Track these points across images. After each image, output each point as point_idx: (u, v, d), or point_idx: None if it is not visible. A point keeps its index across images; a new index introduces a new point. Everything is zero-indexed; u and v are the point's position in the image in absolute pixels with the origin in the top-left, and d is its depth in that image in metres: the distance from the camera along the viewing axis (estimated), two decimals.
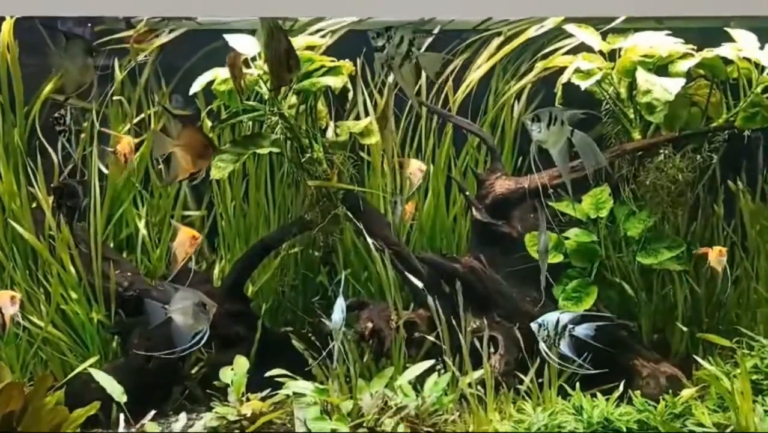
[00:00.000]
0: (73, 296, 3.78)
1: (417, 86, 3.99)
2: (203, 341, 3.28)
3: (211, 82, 3.63)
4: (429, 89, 4.10)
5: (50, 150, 3.92)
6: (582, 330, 3.31)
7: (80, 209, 3.74)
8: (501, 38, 4.03)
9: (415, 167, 3.81)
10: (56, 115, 3.37)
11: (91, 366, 3.64)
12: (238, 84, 3.30)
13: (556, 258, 3.73)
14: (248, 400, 3.59)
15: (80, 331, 3.87)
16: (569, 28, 3.78)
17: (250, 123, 3.91)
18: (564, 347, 3.29)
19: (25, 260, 3.87)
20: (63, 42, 3.17)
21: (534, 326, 3.34)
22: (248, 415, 3.43)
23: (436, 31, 3.90)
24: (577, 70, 3.65)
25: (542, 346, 3.32)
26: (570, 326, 3.29)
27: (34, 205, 3.91)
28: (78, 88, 3.27)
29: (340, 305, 3.29)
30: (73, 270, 3.81)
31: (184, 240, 3.37)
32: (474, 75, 4.06)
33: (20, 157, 3.86)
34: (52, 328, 3.80)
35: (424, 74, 3.93)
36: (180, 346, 3.26)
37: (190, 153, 3.22)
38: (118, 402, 3.50)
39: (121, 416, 3.56)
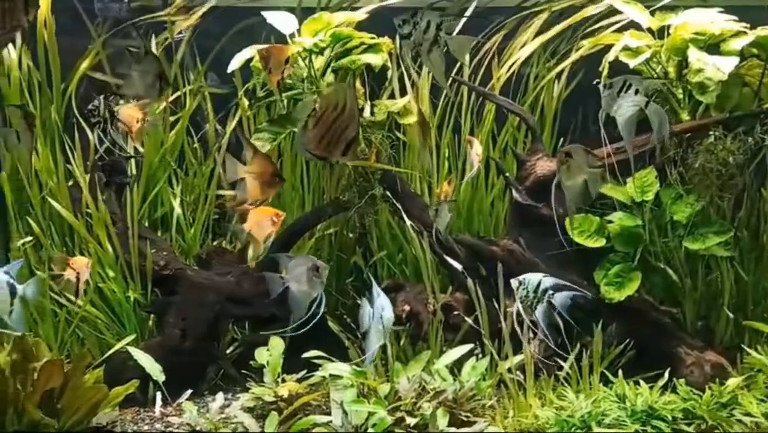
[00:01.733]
0: (110, 274, 3.77)
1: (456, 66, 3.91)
2: (322, 309, 3.16)
3: (250, 60, 3.56)
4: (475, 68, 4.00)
5: (86, 127, 3.90)
6: (561, 298, 3.16)
7: (129, 186, 3.72)
8: (546, 15, 3.90)
9: (478, 149, 3.72)
10: (90, 107, 3.35)
11: (128, 345, 3.63)
12: (274, 78, 3.22)
13: (598, 242, 3.64)
14: (284, 381, 3.57)
15: (117, 309, 3.87)
16: (616, 4, 3.65)
17: (285, 101, 3.87)
18: (539, 312, 3.16)
19: (62, 237, 3.87)
20: (139, 54, 3.15)
21: (514, 282, 3.22)
22: (285, 396, 3.40)
23: (469, 12, 3.80)
24: (625, 48, 3.53)
25: (518, 305, 3.21)
26: (550, 292, 3.16)
27: (70, 182, 3.90)
28: (134, 97, 3.25)
29: (386, 304, 3.08)
30: (110, 248, 3.80)
31: (262, 220, 3.29)
32: (519, 53, 3.94)
33: (57, 134, 3.85)
34: (90, 306, 3.80)
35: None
36: (298, 315, 3.16)
37: (260, 181, 3.20)
38: (156, 381, 3.49)
39: (158, 395, 3.56)
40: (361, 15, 3.55)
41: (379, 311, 2.97)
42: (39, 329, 3.75)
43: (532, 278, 3.18)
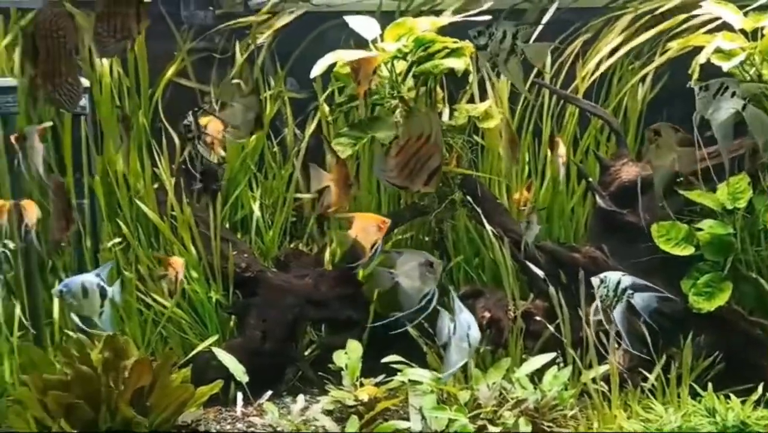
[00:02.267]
0: (194, 275, 3.85)
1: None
2: (433, 303, 3.11)
3: (332, 66, 3.59)
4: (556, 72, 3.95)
5: (172, 132, 4.00)
6: (641, 300, 2.99)
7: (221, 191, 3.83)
8: (632, 15, 3.81)
9: (562, 150, 3.65)
10: (185, 123, 3.46)
11: (211, 345, 3.70)
12: (362, 89, 3.23)
13: (686, 250, 3.53)
14: (362, 385, 3.58)
15: (199, 309, 3.95)
16: (707, 5, 3.53)
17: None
18: (617, 313, 3.02)
19: (148, 239, 3.97)
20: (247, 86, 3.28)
21: (595, 280, 3.10)
22: (365, 400, 3.41)
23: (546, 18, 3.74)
24: (717, 50, 3.41)
25: (598, 304, 3.08)
26: (629, 292, 3.01)
27: (156, 185, 4.01)
28: (229, 124, 3.37)
29: (472, 321, 2.98)
30: (193, 250, 3.89)
31: (369, 227, 3.29)
32: (602, 54, 3.86)
33: (144, 138, 3.96)
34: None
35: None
36: (408, 309, 3.14)
37: (340, 187, 3.25)
38: (238, 381, 3.55)
39: (239, 395, 3.62)
40: (444, 20, 3.53)
41: (464, 328, 2.91)
42: (126, 328, 3.86)
43: (612, 276, 3.07)
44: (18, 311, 3.50)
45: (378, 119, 3.61)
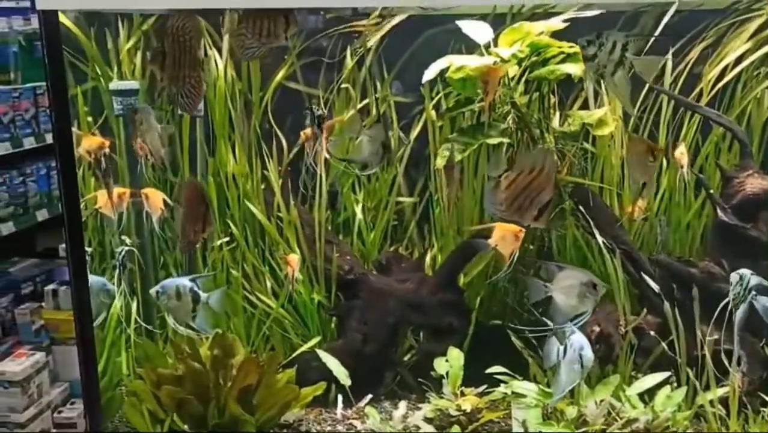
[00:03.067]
0: (298, 276, 3.89)
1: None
2: (580, 323, 3.08)
3: (444, 71, 3.54)
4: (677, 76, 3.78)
5: (280, 135, 4.06)
6: (764, 301, 2.83)
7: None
8: (762, 19, 3.59)
9: (683, 150, 3.51)
10: (318, 114, 3.52)
11: (313, 346, 3.74)
12: (488, 98, 3.18)
13: None
14: (462, 394, 3.53)
15: (302, 310, 4.00)
16: None
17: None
18: (739, 314, 2.86)
19: (255, 239, 4.05)
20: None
21: (734, 276, 2.95)
22: (468, 411, 3.36)
23: (659, 30, 3.57)
24: None
25: (730, 301, 2.93)
26: (753, 292, 2.83)
27: (263, 186, 4.07)
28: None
29: (585, 342, 2.96)
30: (297, 251, 3.93)
31: (507, 236, 3.32)
32: (728, 60, 3.66)
33: (255, 140, 4.03)
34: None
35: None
36: (556, 325, 3.10)
37: None
38: (342, 383, 3.57)
39: (339, 397, 3.64)
40: (559, 23, 3.43)
41: (577, 349, 2.83)
42: (231, 325, 3.95)
43: (747, 273, 2.93)
44: (135, 305, 3.64)
45: (489, 125, 3.54)
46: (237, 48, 2.88)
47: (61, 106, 2.80)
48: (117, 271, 3.58)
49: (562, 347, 2.89)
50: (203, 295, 3.16)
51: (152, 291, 3.20)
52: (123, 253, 3.47)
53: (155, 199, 3.48)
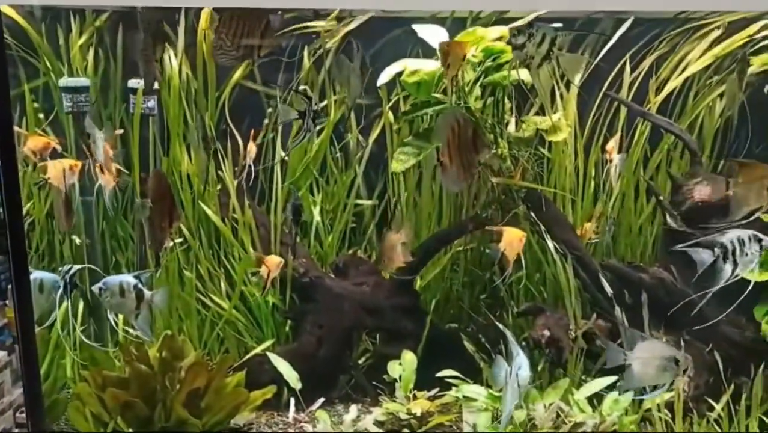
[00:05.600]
0: (253, 278, 3.86)
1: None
2: (656, 395, 3.11)
3: (399, 74, 3.55)
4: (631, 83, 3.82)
5: (237, 134, 4.02)
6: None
7: None
8: (719, 32, 3.65)
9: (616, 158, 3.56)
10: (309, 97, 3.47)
11: (265, 349, 3.71)
12: (450, 74, 3.16)
13: (763, 276, 3.35)
14: (415, 397, 3.53)
15: (256, 312, 3.97)
16: None
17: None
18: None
19: (209, 240, 4.01)
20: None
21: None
22: (418, 414, 3.36)
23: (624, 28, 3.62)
24: None
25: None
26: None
27: (219, 187, 4.04)
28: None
29: (524, 363, 2.92)
30: (252, 252, 3.90)
31: (513, 240, 3.33)
32: (687, 72, 3.72)
33: (210, 140, 3.99)
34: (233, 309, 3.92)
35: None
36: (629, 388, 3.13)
37: None
38: (291, 387, 3.55)
39: (292, 400, 3.62)
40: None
41: (515, 369, 2.86)
42: (183, 327, 3.90)
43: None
44: (81, 306, 3.58)
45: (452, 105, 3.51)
46: (215, 52, 2.84)
47: (2, 103, 2.73)
48: (62, 287, 3.48)
49: (509, 369, 2.91)
50: (147, 292, 3.11)
51: (95, 288, 3.12)
52: (72, 271, 3.32)
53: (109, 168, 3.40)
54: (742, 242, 2.93)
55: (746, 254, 2.92)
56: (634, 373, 2.93)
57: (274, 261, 3.56)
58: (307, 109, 3.29)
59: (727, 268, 2.93)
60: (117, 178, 3.41)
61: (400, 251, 3.33)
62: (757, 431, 3.18)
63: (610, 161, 3.58)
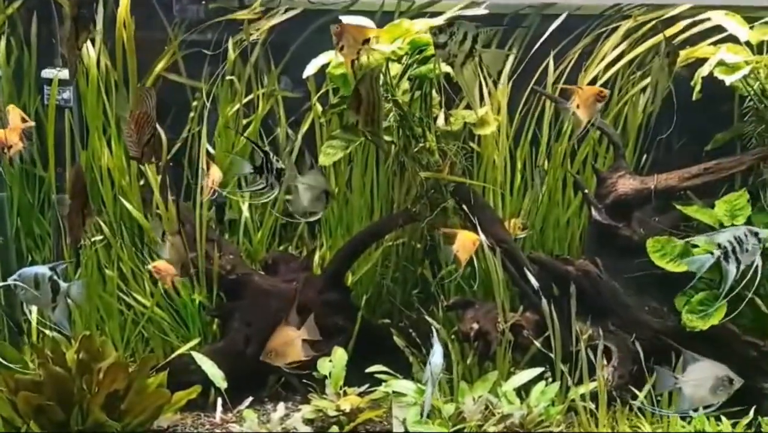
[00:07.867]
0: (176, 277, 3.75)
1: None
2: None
3: (326, 66, 3.49)
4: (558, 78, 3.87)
5: (159, 129, 3.90)
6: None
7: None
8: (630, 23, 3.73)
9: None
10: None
11: (192, 348, 3.61)
12: (348, 58, 3.13)
13: (681, 267, 3.43)
14: (345, 394, 3.49)
15: (182, 311, 3.86)
16: (715, 16, 3.45)
17: None
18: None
19: (132, 238, 3.88)
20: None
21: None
22: (347, 411, 3.33)
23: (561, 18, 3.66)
24: (721, 63, 3.33)
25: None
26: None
27: (142, 182, 3.91)
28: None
29: (437, 350, 3.01)
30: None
31: (466, 243, 3.38)
32: (602, 64, 3.78)
33: None
34: (156, 307, 3.80)
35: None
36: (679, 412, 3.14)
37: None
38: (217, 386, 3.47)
39: (219, 400, 3.53)
40: (440, 22, 3.43)
41: (430, 357, 2.90)
42: (105, 327, 3.77)
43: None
44: None
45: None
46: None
47: None
48: None
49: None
50: (63, 284, 2.97)
51: (9, 280, 2.98)
52: None
53: (15, 117, 3.24)
54: (739, 240, 3.05)
55: (746, 249, 3.03)
56: (687, 395, 2.97)
57: (165, 267, 3.53)
58: (264, 164, 3.17)
59: (732, 267, 3.07)
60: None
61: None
62: (678, 419, 3.24)
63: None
